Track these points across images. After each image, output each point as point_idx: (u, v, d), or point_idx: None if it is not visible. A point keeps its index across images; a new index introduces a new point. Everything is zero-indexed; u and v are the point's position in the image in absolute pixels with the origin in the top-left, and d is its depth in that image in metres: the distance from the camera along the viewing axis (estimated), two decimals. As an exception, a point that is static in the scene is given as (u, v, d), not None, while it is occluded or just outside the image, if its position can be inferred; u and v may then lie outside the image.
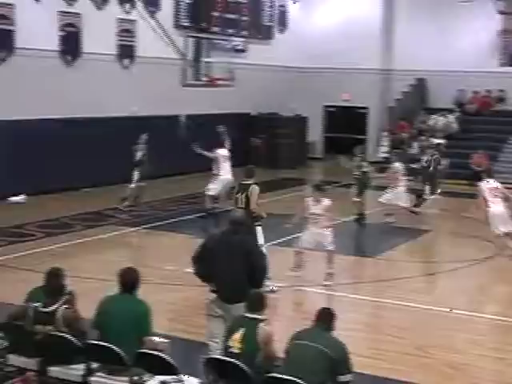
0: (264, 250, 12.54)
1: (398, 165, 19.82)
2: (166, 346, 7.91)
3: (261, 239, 12.54)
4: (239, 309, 8.06)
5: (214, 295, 8.89)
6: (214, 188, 19.35)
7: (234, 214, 9.69)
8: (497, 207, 15.28)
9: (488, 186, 15.56)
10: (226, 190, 19.10)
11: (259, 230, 12.63)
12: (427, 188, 20.77)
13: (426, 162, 21.24)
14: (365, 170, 19.40)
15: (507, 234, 15.30)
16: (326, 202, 13.33)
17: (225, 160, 19.48)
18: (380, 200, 19.41)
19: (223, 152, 19.56)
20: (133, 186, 19.50)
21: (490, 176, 16.03)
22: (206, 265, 8.80)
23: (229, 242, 8.80)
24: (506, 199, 15.34)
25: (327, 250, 13.39)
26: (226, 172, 19.41)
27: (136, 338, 7.57)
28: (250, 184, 12.72)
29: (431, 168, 21.07)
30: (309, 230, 13.41)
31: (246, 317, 7.60)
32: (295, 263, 13.60)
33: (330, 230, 13.43)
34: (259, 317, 7.55)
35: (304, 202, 13.50)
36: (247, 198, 12.49)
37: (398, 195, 19.35)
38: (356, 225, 18.77)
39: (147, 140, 19.84)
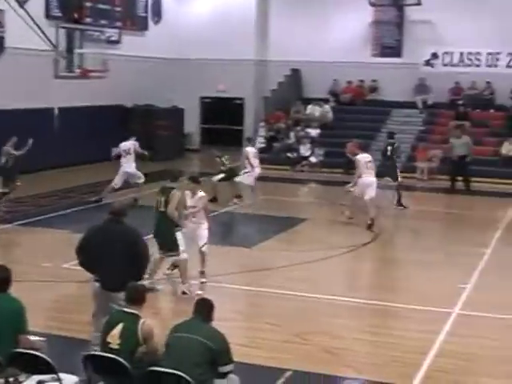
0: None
1: (248, 149, 20.55)
2: (43, 344, 7.78)
3: (182, 245, 12.21)
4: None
5: (97, 284, 8.89)
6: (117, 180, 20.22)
7: (115, 204, 9.64)
8: (368, 177, 17.98)
9: (365, 159, 18.19)
10: (131, 180, 20.42)
11: (179, 235, 12.22)
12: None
13: (389, 152, 21.40)
14: (227, 163, 20.99)
15: (367, 200, 17.86)
16: (201, 194, 12.88)
17: (125, 154, 20.19)
18: (236, 179, 20.36)
19: (124, 146, 20.32)
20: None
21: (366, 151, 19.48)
22: (88, 255, 8.91)
23: (111, 231, 8.94)
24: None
25: (200, 249, 12.88)
26: (125, 166, 20.18)
27: (10, 338, 7.39)
28: (171, 188, 12.31)
29: (394, 156, 21.42)
30: (185, 226, 12.68)
31: (125, 311, 7.51)
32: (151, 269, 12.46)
33: (205, 224, 12.98)
34: (137, 312, 7.47)
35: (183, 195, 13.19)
36: (166, 202, 12.09)
37: (251, 177, 20.35)
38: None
39: (16, 143, 18.51)
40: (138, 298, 7.58)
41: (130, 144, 20.38)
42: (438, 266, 14.78)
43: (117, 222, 9.00)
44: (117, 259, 8.68)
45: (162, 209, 12.16)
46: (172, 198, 12.11)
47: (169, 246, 12.17)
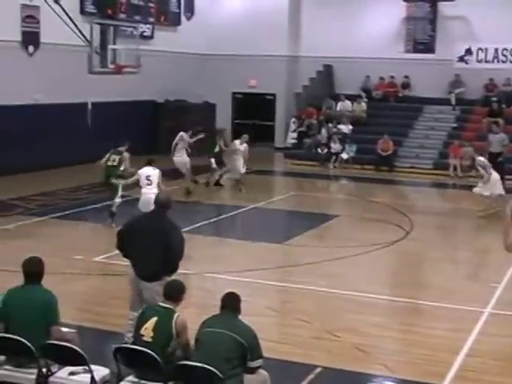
0: None
1: (236, 142, 22.35)
2: (75, 336, 7.83)
3: None
4: (155, 287, 8.57)
5: (132, 271, 9.14)
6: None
7: (159, 196, 9.71)
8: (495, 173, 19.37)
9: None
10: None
11: None
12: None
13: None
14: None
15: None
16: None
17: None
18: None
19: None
20: None
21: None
22: (125, 242, 9.14)
23: (147, 221, 9.15)
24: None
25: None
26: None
27: (43, 329, 7.45)
28: None
29: None
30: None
31: (160, 306, 7.57)
32: None
33: None
34: (172, 307, 7.51)
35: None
36: None
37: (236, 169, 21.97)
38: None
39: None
40: (175, 295, 7.63)
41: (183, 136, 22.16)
42: (469, 263, 14.70)
43: (158, 213, 9.13)
44: (150, 249, 8.81)
45: None
46: None
47: None
